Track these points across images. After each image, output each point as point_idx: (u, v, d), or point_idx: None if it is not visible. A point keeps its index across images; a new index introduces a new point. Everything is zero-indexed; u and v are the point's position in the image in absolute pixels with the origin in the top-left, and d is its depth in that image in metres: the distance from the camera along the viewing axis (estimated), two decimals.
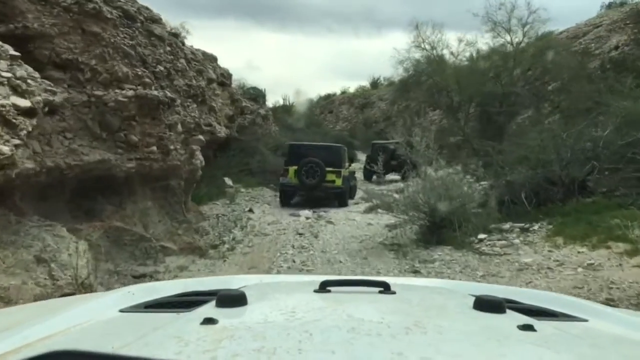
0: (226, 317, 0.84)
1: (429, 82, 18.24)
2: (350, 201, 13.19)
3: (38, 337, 0.82)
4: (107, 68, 6.44)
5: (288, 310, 0.90)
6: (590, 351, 0.82)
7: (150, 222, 7.81)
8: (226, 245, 8.36)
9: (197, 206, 11.41)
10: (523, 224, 6.99)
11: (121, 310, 1.04)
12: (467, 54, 17.78)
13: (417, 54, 17.97)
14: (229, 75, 16.70)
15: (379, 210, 11.06)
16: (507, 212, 7.56)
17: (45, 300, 2.74)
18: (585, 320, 1.06)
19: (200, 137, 8.24)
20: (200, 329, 0.76)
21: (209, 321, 0.78)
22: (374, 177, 17.05)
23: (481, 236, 6.70)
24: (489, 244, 6.35)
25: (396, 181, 17.62)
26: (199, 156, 10.48)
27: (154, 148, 6.89)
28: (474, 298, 1.00)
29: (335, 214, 11.35)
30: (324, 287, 1.09)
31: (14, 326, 0.89)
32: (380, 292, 1.08)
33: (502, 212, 7.57)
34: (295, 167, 11.95)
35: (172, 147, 7.18)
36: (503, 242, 6.29)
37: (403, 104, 25.21)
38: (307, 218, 10.54)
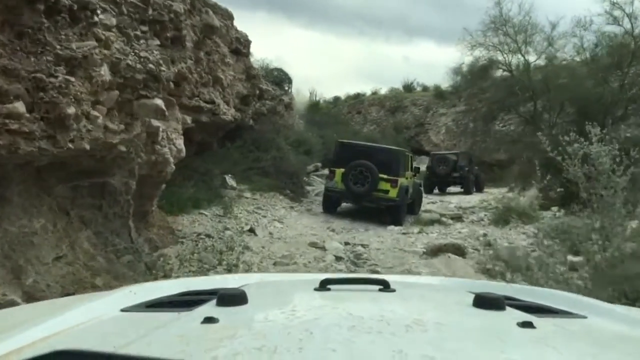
0: (227, 316, 0.83)
1: (503, 76, 13.97)
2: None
3: (40, 336, 0.82)
4: None
5: (288, 309, 0.90)
6: (590, 348, 0.82)
7: (31, 260, 3.82)
8: None
9: (170, 217, 7.47)
10: None
11: (122, 310, 1.04)
12: (569, 46, 13.34)
13: (495, 39, 13.63)
14: (247, 43, 12.76)
15: (450, 255, 7.01)
16: None
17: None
18: (584, 317, 1.06)
19: (159, 101, 4.30)
20: (201, 328, 0.76)
21: (209, 320, 0.77)
22: (435, 189, 16.62)
23: None
24: None
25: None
26: (175, 141, 6.52)
27: (18, 106, 2.92)
28: (473, 295, 0.98)
29: (380, 251, 7.26)
30: (324, 285, 1.07)
31: (15, 326, 0.88)
32: (380, 290, 1.07)
33: None
34: (343, 170, 10.02)
35: (71, 110, 3.20)
36: None
37: (456, 105, 21.01)
38: (338, 259, 6.47)
